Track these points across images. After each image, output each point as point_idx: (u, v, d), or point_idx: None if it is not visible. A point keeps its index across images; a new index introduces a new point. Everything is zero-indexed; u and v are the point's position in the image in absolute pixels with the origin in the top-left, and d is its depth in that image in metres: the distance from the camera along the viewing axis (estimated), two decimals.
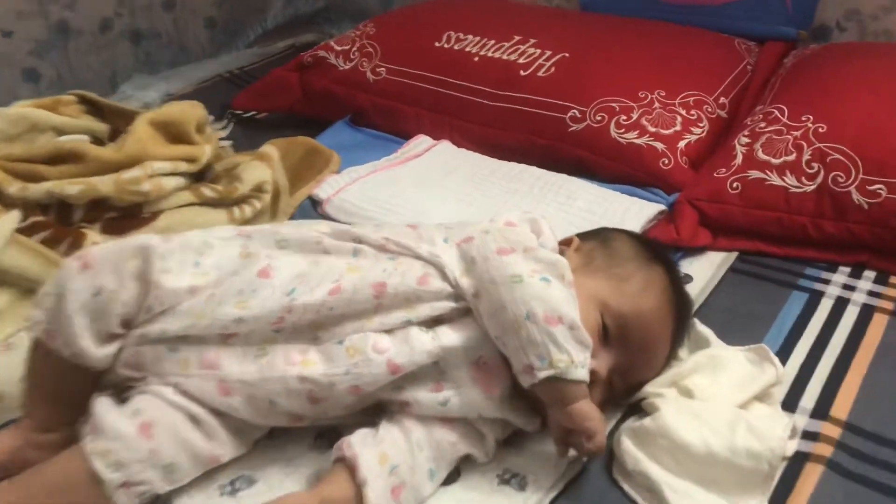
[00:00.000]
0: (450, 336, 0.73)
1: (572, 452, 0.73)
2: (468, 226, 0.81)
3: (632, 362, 0.77)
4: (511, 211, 0.84)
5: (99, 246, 0.75)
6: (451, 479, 0.74)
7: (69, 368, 0.73)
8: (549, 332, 0.69)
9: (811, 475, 0.72)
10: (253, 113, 1.57)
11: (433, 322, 0.75)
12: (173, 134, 1.14)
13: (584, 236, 0.86)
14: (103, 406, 0.71)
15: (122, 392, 0.75)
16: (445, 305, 0.75)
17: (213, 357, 0.73)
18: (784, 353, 0.88)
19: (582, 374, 0.69)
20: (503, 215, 0.83)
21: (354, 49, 1.49)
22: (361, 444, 0.70)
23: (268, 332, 0.74)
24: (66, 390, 0.74)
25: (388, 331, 0.74)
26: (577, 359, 0.69)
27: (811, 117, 1.11)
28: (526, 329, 0.69)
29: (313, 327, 0.74)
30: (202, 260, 0.76)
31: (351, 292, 0.74)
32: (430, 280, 0.75)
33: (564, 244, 0.83)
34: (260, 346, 0.74)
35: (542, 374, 0.68)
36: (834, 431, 0.77)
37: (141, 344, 0.73)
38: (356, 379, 0.71)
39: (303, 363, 0.72)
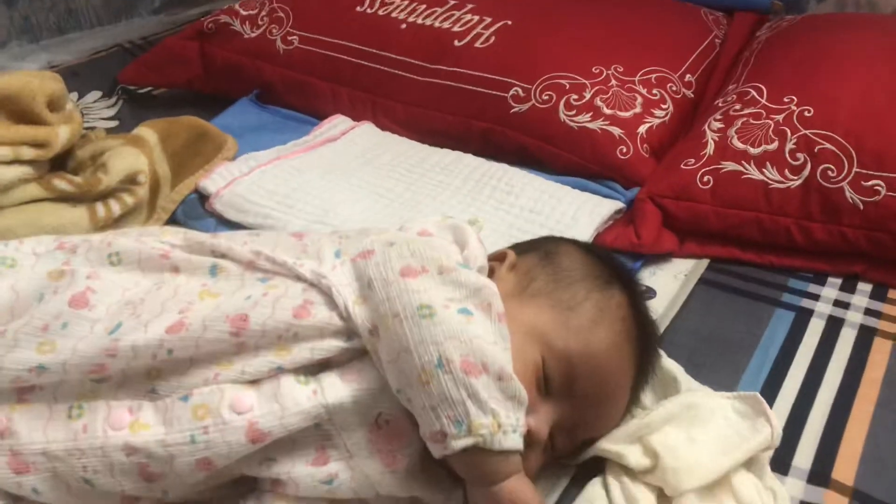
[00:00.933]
0: (337, 389, 0.53)
1: None
2: (370, 233, 0.61)
3: (581, 417, 0.58)
4: (428, 216, 0.65)
5: None
6: None
7: None
8: (469, 386, 0.50)
9: None
10: (148, 89, 1.35)
11: (316, 367, 0.55)
12: (16, 112, 0.91)
13: (521, 248, 0.67)
14: None
15: None
16: (332, 345, 0.55)
17: (2, 420, 0.52)
18: (769, 393, 0.71)
19: (512, 441, 0.50)
20: (418, 221, 0.65)
21: (263, 14, 1.27)
22: None
23: (85, 382, 0.54)
24: None
25: (253, 382, 0.54)
26: (505, 422, 0.50)
27: (795, 98, 0.93)
28: (437, 381, 0.50)
29: (150, 376, 0.54)
30: None
31: (199, 329, 0.53)
32: (312, 310, 0.55)
33: (496, 259, 0.64)
34: (74, 403, 0.53)
35: (459, 445, 0.49)
36: (841, 503, 0.60)
37: None
38: (204, 449, 0.52)
39: (132, 426, 0.52)
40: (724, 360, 0.75)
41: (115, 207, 0.93)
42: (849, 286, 0.85)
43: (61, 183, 0.91)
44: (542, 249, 0.66)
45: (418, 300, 0.52)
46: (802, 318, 0.81)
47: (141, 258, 0.60)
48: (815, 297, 0.84)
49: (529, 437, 0.54)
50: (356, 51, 1.18)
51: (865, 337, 0.78)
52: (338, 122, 1.15)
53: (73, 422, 0.52)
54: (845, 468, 0.63)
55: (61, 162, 0.97)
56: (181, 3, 1.80)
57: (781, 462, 0.63)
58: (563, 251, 0.65)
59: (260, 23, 1.26)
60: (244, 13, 1.29)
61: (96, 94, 1.35)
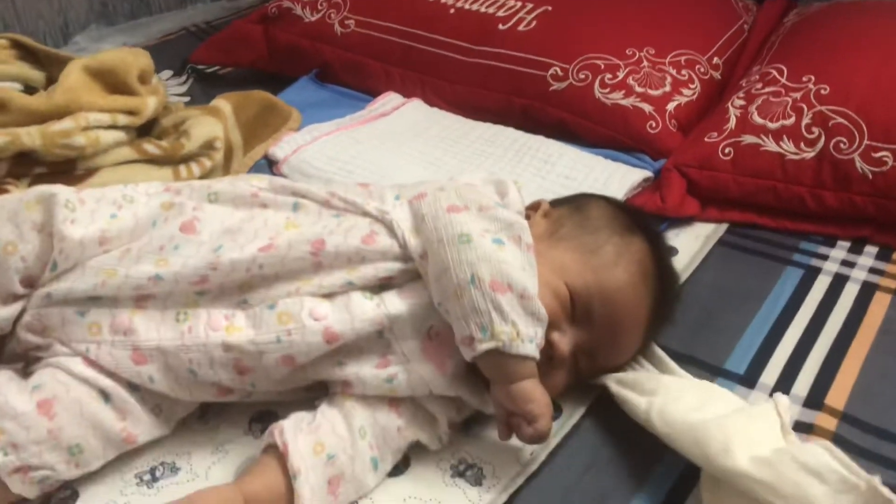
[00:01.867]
0: (397, 303, 0.64)
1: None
2: (424, 184, 0.72)
3: (599, 342, 0.68)
4: (477, 172, 0.75)
5: (6, 195, 0.65)
6: (398, 470, 0.66)
7: None
8: (494, 300, 0.60)
9: None
10: (214, 68, 1.47)
11: (379, 287, 0.66)
12: (112, 84, 1.04)
13: (556, 202, 0.77)
14: (1, 380, 0.62)
15: (28, 366, 0.66)
16: (392, 266, 0.66)
17: (125, 321, 0.64)
18: (776, 334, 0.80)
19: (528, 349, 0.60)
20: (465, 176, 0.75)
21: (322, 0, 1.38)
22: (294, 430, 0.61)
23: (189, 294, 0.65)
24: None
25: (328, 296, 0.65)
26: (523, 332, 0.60)
27: (813, 78, 1.01)
28: (469, 295, 0.60)
29: (242, 289, 0.65)
30: (119, 213, 0.67)
31: (285, 249, 0.65)
32: (377, 238, 0.66)
33: (532, 209, 0.74)
34: (180, 310, 0.65)
35: (483, 347, 0.60)
36: (830, 423, 0.69)
37: (45, 306, 0.65)
38: (288, 348, 0.63)
39: (227, 329, 0.64)
40: (736, 308, 0.83)
41: (196, 170, 1.04)
42: (856, 248, 0.93)
43: (150, 146, 1.03)
44: (574, 202, 0.76)
45: (459, 230, 0.63)
46: (810, 274, 0.89)
47: (235, 196, 0.72)
48: (824, 258, 0.92)
49: (556, 354, 0.64)
50: (407, 33, 1.28)
51: (867, 291, 0.86)
52: (390, 99, 1.25)
53: (180, 324, 0.64)
54: (838, 396, 0.72)
55: (148, 129, 1.09)
56: None
57: (783, 390, 0.72)
58: (592, 204, 0.75)
59: (319, 8, 1.37)
60: None
61: (168, 72, 1.47)
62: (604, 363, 0.70)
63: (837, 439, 0.67)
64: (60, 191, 0.66)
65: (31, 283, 0.65)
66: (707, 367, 0.75)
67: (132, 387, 0.64)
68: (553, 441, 0.67)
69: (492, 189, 0.73)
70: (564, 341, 0.65)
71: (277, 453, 0.60)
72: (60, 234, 0.64)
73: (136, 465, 0.66)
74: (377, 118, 1.19)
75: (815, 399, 0.71)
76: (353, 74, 1.32)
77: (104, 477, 0.64)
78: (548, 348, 0.64)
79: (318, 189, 0.72)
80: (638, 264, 0.69)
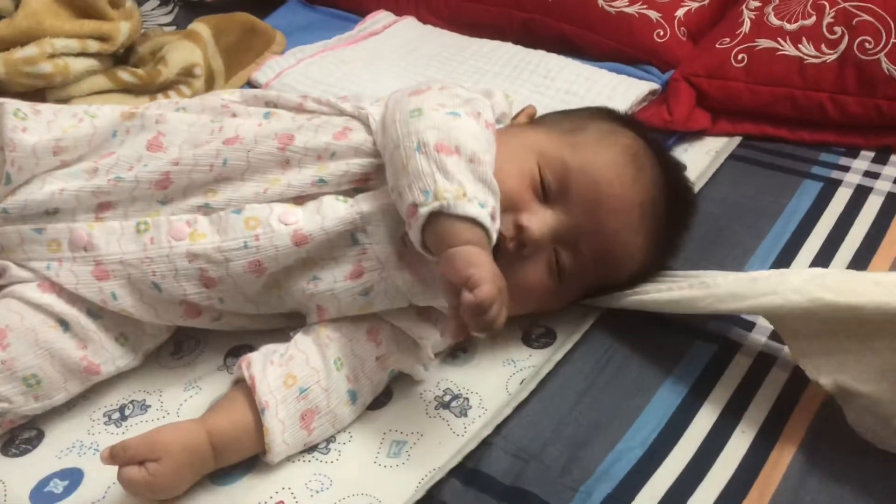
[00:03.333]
0: (370, 202, 0.60)
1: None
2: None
3: (581, 228, 0.60)
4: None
5: None
6: (379, 402, 0.62)
7: None
8: (439, 161, 0.54)
9: (816, 395, 0.59)
10: None
11: (354, 191, 0.62)
12: (80, 7, 0.98)
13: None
14: None
15: None
16: (364, 162, 0.61)
17: (83, 236, 0.61)
18: (790, 252, 0.74)
19: (476, 211, 0.53)
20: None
21: None
22: (264, 363, 0.58)
23: (151, 200, 0.62)
24: None
25: (298, 200, 0.61)
26: (471, 192, 0.53)
27: None
28: (414, 161, 0.55)
29: (205, 192, 0.61)
30: (78, 124, 0.64)
31: (251, 143, 0.61)
32: (350, 134, 0.62)
33: (523, 113, 0.68)
34: (140, 220, 0.61)
35: (425, 210, 0.53)
36: None
37: (2, 224, 0.61)
38: (256, 253, 0.59)
39: (191, 236, 0.60)
40: (748, 226, 0.77)
41: (174, 98, 0.99)
42: (881, 158, 0.86)
43: (125, 74, 0.98)
44: (563, 111, 0.69)
45: (413, 106, 0.58)
46: (830, 188, 0.82)
47: (204, 108, 0.67)
48: (846, 169, 0.85)
49: (525, 235, 0.58)
50: None
51: (892, 203, 0.79)
52: (381, 17, 1.18)
53: (141, 235, 0.60)
54: None
55: (124, 57, 1.04)
56: None
57: None
58: (588, 108, 0.68)
59: None
60: None
61: (154, 2, 1.41)
62: (592, 258, 0.61)
63: None
64: (10, 102, 0.63)
65: None
66: None
67: (93, 314, 0.61)
68: (545, 368, 0.62)
69: (478, 92, 0.66)
70: (535, 221, 0.58)
71: (246, 388, 0.57)
72: (11, 143, 0.60)
73: (105, 403, 0.63)
74: (366, 37, 1.13)
75: None
76: None
77: (71, 416, 0.62)
78: (518, 234, 0.58)
79: (290, 96, 0.67)
80: (625, 147, 0.62)
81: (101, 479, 0.56)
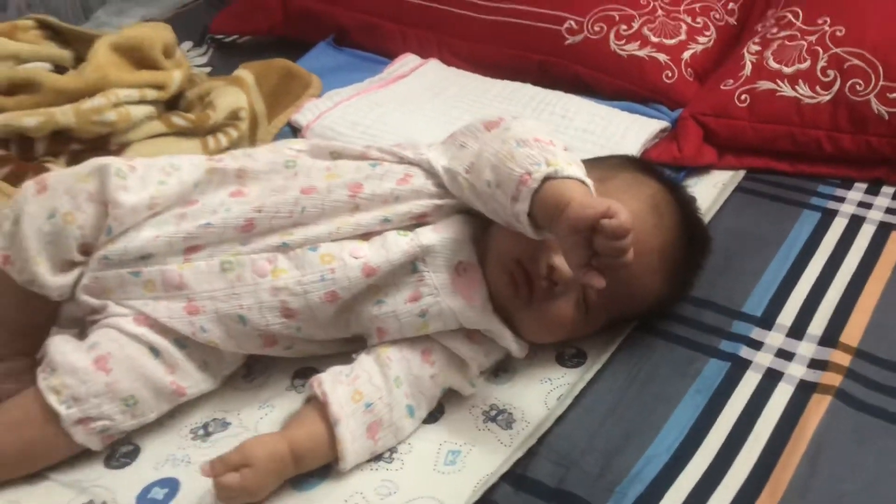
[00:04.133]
0: (429, 236, 0.69)
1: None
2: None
3: (610, 278, 0.65)
4: None
5: (61, 170, 0.71)
6: (433, 417, 0.70)
7: (27, 296, 0.69)
8: (543, 147, 0.64)
9: (818, 407, 0.67)
10: (233, 37, 1.49)
11: (413, 226, 0.70)
12: (138, 59, 1.07)
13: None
14: (59, 341, 0.68)
15: (85, 329, 0.71)
16: (426, 203, 0.70)
17: (177, 277, 0.69)
18: (793, 277, 0.82)
19: (580, 173, 0.62)
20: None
21: None
22: (333, 382, 0.66)
23: (234, 242, 0.70)
24: (21, 318, 0.72)
25: (365, 237, 0.70)
26: (574, 167, 0.62)
27: (828, 20, 1.01)
28: (519, 152, 0.63)
29: (282, 233, 0.70)
30: (167, 179, 0.72)
31: (325, 192, 0.70)
32: (412, 179, 0.71)
33: None
34: (225, 261, 0.69)
35: (540, 174, 0.61)
36: (844, 359, 0.72)
37: (103, 269, 0.70)
38: (332, 284, 0.67)
39: (273, 272, 0.68)
40: (754, 253, 0.86)
41: (223, 140, 1.08)
42: (872, 190, 0.95)
43: (178, 119, 1.06)
44: (593, 158, 0.78)
45: (500, 128, 0.68)
46: (827, 217, 0.91)
47: (274, 156, 0.76)
48: (841, 200, 0.94)
49: (556, 275, 0.67)
50: None
51: (883, 232, 0.88)
52: (408, 60, 1.27)
53: (227, 274, 0.68)
54: (853, 334, 0.74)
55: (175, 102, 1.13)
56: None
57: (799, 331, 0.75)
58: (610, 156, 0.77)
59: None
60: None
61: (188, 43, 1.49)
62: (614, 294, 0.68)
63: (850, 374, 0.70)
64: (112, 161, 0.70)
65: (87, 250, 0.70)
66: (725, 311, 0.78)
67: (180, 343, 0.69)
68: (579, 385, 0.71)
69: None
70: (565, 262, 0.65)
71: (318, 404, 0.65)
72: (114, 201, 0.68)
73: (190, 421, 0.71)
74: (396, 80, 1.21)
75: (830, 337, 0.74)
76: (369, 37, 1.33)
77: (162, 432, 0.69)
78: (550, 273, 0.67)
79: (354, 147, 0.76)
80: (649, 197, 0.71)
81: (196, 487, 0.64)
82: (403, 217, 0.69)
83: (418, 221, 0.70)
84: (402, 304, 0.68)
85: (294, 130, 1.14)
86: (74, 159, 1.00)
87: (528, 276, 0.68)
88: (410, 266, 0.68)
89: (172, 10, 1.68)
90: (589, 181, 0.63)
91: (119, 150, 1.02)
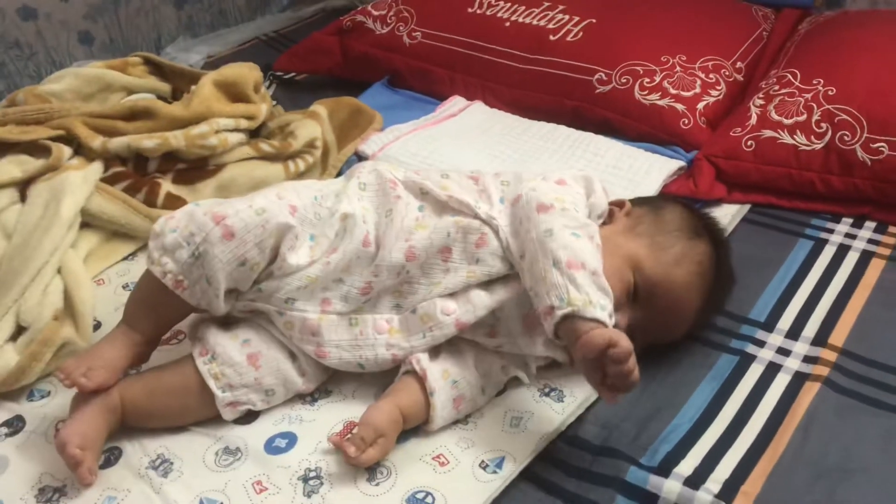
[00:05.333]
0: (503, 292, 0.83)
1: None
2: (522, 181, 0.88)
3: (654, 323, 0.83)
4: (566, 170, 0.90)
5: (238, 215, 0.79)
6: (498, 394, 0.86)
7: (186, 307, 0.82)
8: (571, 276, 0.73)
9: (809, 391, 0.83)
10: (293, 74, 1.66)
11: (488, 283, 0.84)
12: (233, 93, 1.25)
13: (637, 202, 0.92)
14: (214, 333, 0.82)
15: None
16: (499, 268, 0.83)
17: (314, 325, 0.83)
18: (790, 292, 0.99)
19: (600, 314, 0.72)
20: (558, 171, 0.89)
21: (391, 14, 1.57)
22: (428, 361, 0.82)
23: (356, 300, 0.84)
24: (175, 318, 0.86)
25: (452, 295, 0.83)
26: (595, 300, 0.72)
27: (822, 81, 1.20)
28: (550, 276, 0.74)
29: (394, 295, 0.84)
30: (314, 231, 0.85)
31: (423, 257, 0.83)
32: (487, 240, 0.83)
33: (616, 205, 0.90)
34: (352, 316, 0.84)
35: (560, 313, 0.72)
36: (831, 356, 0.88)
37: (255, 299, 0.83)
38: (431, 340, 0.82)
39: (390, 331, 0.83)
40: (758, 272, 1.02)
41: (301, 165, 1.25)
42: (858, 223, 1.12)
43: (265, 146, 1.23)
44: (653, 204, 0.92)
45: (545, 226, 0.78)
46: (819, 245, 1.08)
47: (380, 185, 0.89)
48: (831, 231, 1.11)
49: (615, 327, 0.79)
50: (469, 44, 1.47)
51: (865, 258, 1.04)
52: (455, 102, 1.45)
53: (353, 328, 0.83)
54: (838, 337, 0.91)
55: (257, 131, 1.30)
56: (303, 1, 2.12)
57: (795, 333, 0.92)
58: (668, 208, 0.90)
59: (389, 21, 1.57)
60: (375, 13, 1.59)
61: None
62: (654, 339, 0.85)
63: (836, 367, 0.86)
64: (293, 223, 0.81)
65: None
66: (735, 317, 0.95)
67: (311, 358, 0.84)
68: None
69: (581, 185, 0.88)
70: (624, 318, 0.81)
71: (416, 377, 0.80)
72: (284, 258, 0.81)
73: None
74: (447, 118, 1.39)
75: (820, 339, 0.91)
76: (421, 80, 1.51)
77: None
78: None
79: (438, 189, 0.87)
80: (698, 265, 0.85)
81: (311, 438, 0.80)
82: (481, 278, 0.83)
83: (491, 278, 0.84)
84: (482, 337, 0.84)
85: (360, 159, 1.31)
86: (179, 176, 1.17)
87: None
88: (491, 314, 0.83)
89: (233, 48, 1.86)
90: (604, 315, 0.72)
91: (216, 170, 1.19)
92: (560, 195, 0.83)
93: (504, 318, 0.84)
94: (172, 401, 0.80)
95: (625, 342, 0.71)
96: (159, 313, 0.84)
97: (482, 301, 0.82)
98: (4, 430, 0.82)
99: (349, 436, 0.76)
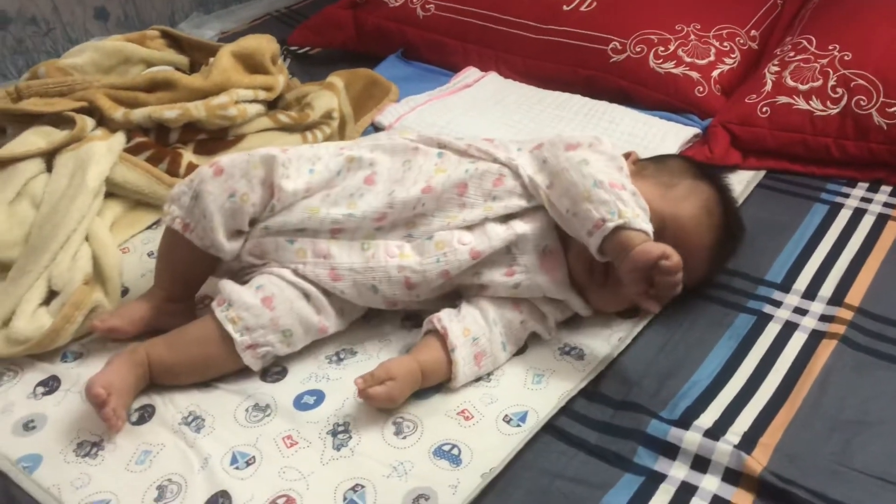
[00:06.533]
0: (521, 226, 0.86)
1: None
2: (537, 139, 0.92)
3: None
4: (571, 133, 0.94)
5: (228, 156, 0.87)
6: (519, 352, 0.88)
7: (199, 254, 0.87)
8: (617, 194, 0.79)
9: (826, 348, 0.85)
10: (307, 49, 1.67)
11: (506, 218, 0.87)
12: (251, 65, 1.26)
13: (643, 160, 0.96)
14: (230, 284, 0.86)
15: (237, 278, 0.89)
16: (517, 203, 0.87)
17: (324, 248, 0.86)
18: (806, 254, 1.00)
19: (646, 225, 0.78)
20: (568, 133, 0.94)
21: None
22: (448, 320, 0.84)
23: (370, 228, 0.87)
24: (193, 271, 0.90)
25: (469, 228, 0.87)
26: (641, 212, 0.79)
27: (837, 46, 1.20)
28: (595, 193, 0.79)
29: (408, 226, 0.87)
30: (314, 167, 0.89)
31: (440, 191, 0.87)
32: (505, 180, 0.87)
33: (624, 156, 0.92)
34: (363, 241, 0.87)
35: (612, 224, 0.77)
36: (847, 315, 0.89)
37: (264, 236, 0.87)
38: (445, 265, 0.85)
39: (400, 255, 0.86)
40: (774, 234, 1.03)
41: (318, 135, 1.26)
42: (873, 188, 1.12)
43: (283, 117, 1.25)
44: (657, 157, 0.96)
45: (579, 157, 0.84)
46: (834, 209, 1.09)
47: (395, 148, 0.92)
48: (846, 196, 1.11)
49: None
50: (482, 15, 1.48)
51: (881, 222, 1.05)
52: (470, 73, 1.46)
53: (365, 252, 0.86)
54: (854, 297, 0.92)
55: (274, 102, 1.32)
56: None
57: (812, 293, 0.93)
58: (671, 158, 0.95)
59: None
60: None
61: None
62: None
63: (852, 325, 0.88)
64: (278, 154, 0.86)
65: (253, 222, 0.87)
66: (751, 279, 0.96)
67: (325, 293, 0.86)
68: (635, 330, 0.88)
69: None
70: None
71: (438, 335, 0.83)
72: (279, 187, 0.85)
73: (325, 351, 0.88)
74: (462, 89, 1.40)
75: (836, 298, 0.92)
76: (435, 52, 1.52)
77: (304, 359, 0.87)
78: None
79: (456, 140, 0.93)
80: (705, 202, 0.88)
81: (338, 395, 0.82)
82: (499, 213, 0.86)
83: (509, 214, 0.87)
84: (499, 276, 0.85)
85: (377, 130, 1.32)
86: (199, 146, 1.19)
87: (604, 267, 0.84)
88: (506, 249, 0.86)
89: (246, 24, 1.87)
90: (650, 228, 0.78)
91: (235, 141, 1.20)
92: (581, 137, 0.88)
93: (521, 254, 0.86)
94: (195, 350, 0.83)
95: (676, 255, 0.76)
96: (174, 263, 0.89)
97: (498, 233, 0.85)
98: (41, 389, 0.85)
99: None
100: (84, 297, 0.90)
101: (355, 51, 1.62)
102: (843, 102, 1.15)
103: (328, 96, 1.29)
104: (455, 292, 0.90)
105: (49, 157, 1.08)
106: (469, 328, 0.83)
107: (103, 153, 1.08)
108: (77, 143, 1.09)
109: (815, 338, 0.87)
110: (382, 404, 0.79)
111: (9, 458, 0.77)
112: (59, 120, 1.13)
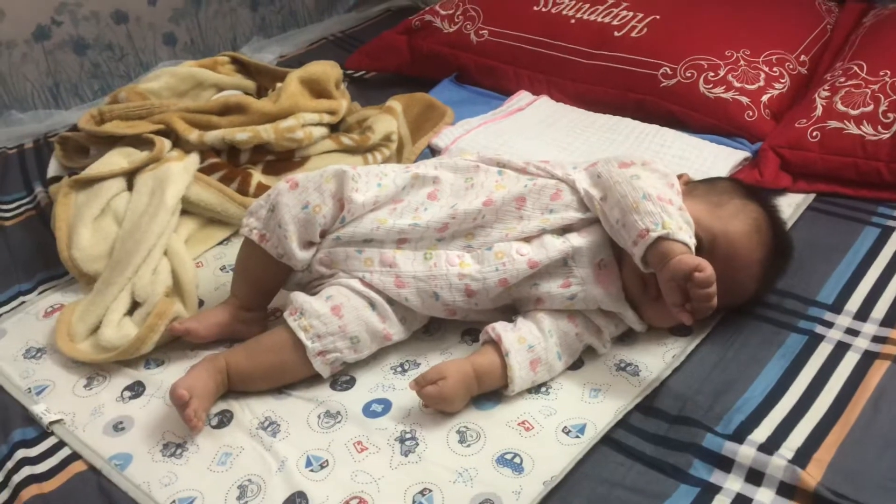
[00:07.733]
0: (577, 239, 0.90)
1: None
2: (591, 161, 0.97)
3: (720, 277, 0.85)
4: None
5: (304, 174, 0.94)
6: (575, 367, 0.91)
7: (273, 264, 0.93)
8: (664, 207, 0.84)
9: (879, 368, 0.87)
10: (363, 72, 1.74)
11: (563, 230, 0.92)
12: (316, 90, 1.33)
13: (694, 181, 1.00)
14: (301, 295, 0.91)
15: (306, 291, 0.94)
16: (573, 216, 0.91)
17: (390, 257, 0.92)
18: (857, 277, 1.02)
19: (689, 240, 0.82)
20: (619, 154, 0.98)
21: (458, 13, 1.64)
22: (503, 329, 0.88)
23: (433, 238, 0.92)
24: (267, 280, 0.96)
25: (527, 239, 0.91)
26: (684, 226, 0.83)
27: (888, 72, 1.22)
28: (643, 205, 0.84)
29: (467, 237, 0.92)
30: (382, 181, 0.95)
31: (500, 204, 0.92)
32: (562, 195, 0.93)
33: (676, 176, 0.96)
34: (426, 251, 0.92)
35: (655, 234, 0.82)
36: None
37: (334, 246, 0.93)
38: (504, 273, 0.89)
39: (461, 264, 0.91)
40: (825, 256, 1.05)
41: (378, 157, 1.32)
42: None
43: (346, 139, 1.31)
44: (706, 180, 0.99)
45: (631, 173, 0.89)
46: (886, 232, 1.10)
47: (457, 167, 0.98)
48: None
49: None
50: (534, 41, 1.53)
51: None
52: (522, 97, 1.50)
53: (428, 261, 0.91)
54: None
55: (337, 125, 1.38)
56: (368, 2, 2.20)
57: (863, 314, 0.95)
58: (721, 180, 0.99)
59: (456, 20, 1.63)
60: (443, 13, 1.66)
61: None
62: (724, 299, 0.88)
63: None
64: (348, 169, 0.93)
65: (324, 233, 0.94)
66: (802, 300, 0.98)
67: (389, 301, 0.92)
68: (689, 348, 0.91)
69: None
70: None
71: (493, 344, 0.87)
72: (350, 199, 0.92)
73: (390, 361, 0.93)
74: (514, 112, 1.45)
75: (889, 320, 0.93)
76: (487, 76, 1.57)
77: (371, 370, 0.92)
78: None
79: (515, 160, 0.98)
80: (754, 220, 0.91)
81: (404, 404, 0.87)
82: (556, 225, 0.91)
83: (566, 227, 0.92)
84: (556, 288, 0.89)
85: (433, 152, 1.38)
86: (268, 167, 1.26)
87: (657, 282, 0.86)
88: (562, 261, 0.90)
89: (303, 48, 1.95)
90: (692, 242, 0.82)
91: (301, 162, 1.27)
92: (635, 156, 0.93)
93: (577, 267, 0.90)
94: (270, 357, 0.88)
95: (710, 269, 0.80)
96: (250, 272, 0.95)
97: (555, 245, 0.90)
98: (128, 393, 0.91)
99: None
100: (167, 307, 0.96)
101: (409, 74, 1.68)
102: (895, 127, 1.17)
103: (387, 119, 1.35)
104: (511, 308, 0.94)
105: (130, 176, 1.16)
106: (524, 337, 0.88)
107: (180, 173, 1.15)
108: (156, 164, 1.16)
109: (868, 358, 0.89)
110: (437, 403, 0.83)
111: (101, 456, 0.83)
112: (138, 141, 1.21)
